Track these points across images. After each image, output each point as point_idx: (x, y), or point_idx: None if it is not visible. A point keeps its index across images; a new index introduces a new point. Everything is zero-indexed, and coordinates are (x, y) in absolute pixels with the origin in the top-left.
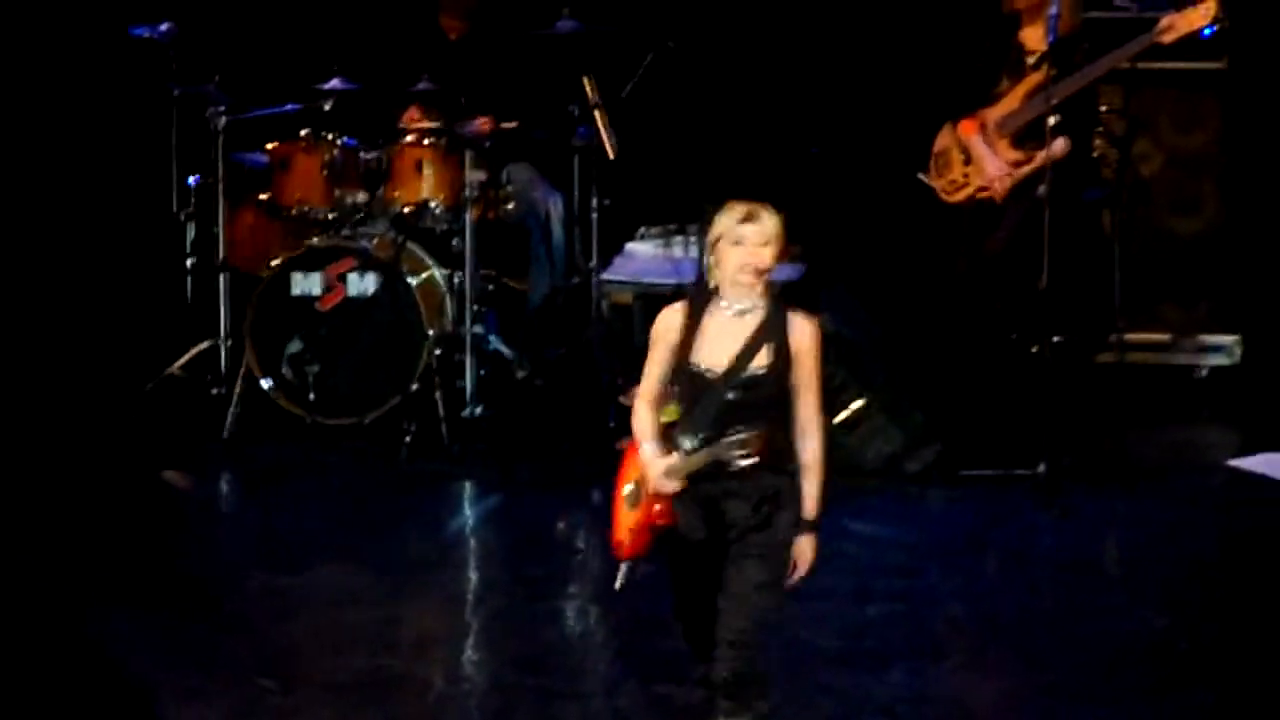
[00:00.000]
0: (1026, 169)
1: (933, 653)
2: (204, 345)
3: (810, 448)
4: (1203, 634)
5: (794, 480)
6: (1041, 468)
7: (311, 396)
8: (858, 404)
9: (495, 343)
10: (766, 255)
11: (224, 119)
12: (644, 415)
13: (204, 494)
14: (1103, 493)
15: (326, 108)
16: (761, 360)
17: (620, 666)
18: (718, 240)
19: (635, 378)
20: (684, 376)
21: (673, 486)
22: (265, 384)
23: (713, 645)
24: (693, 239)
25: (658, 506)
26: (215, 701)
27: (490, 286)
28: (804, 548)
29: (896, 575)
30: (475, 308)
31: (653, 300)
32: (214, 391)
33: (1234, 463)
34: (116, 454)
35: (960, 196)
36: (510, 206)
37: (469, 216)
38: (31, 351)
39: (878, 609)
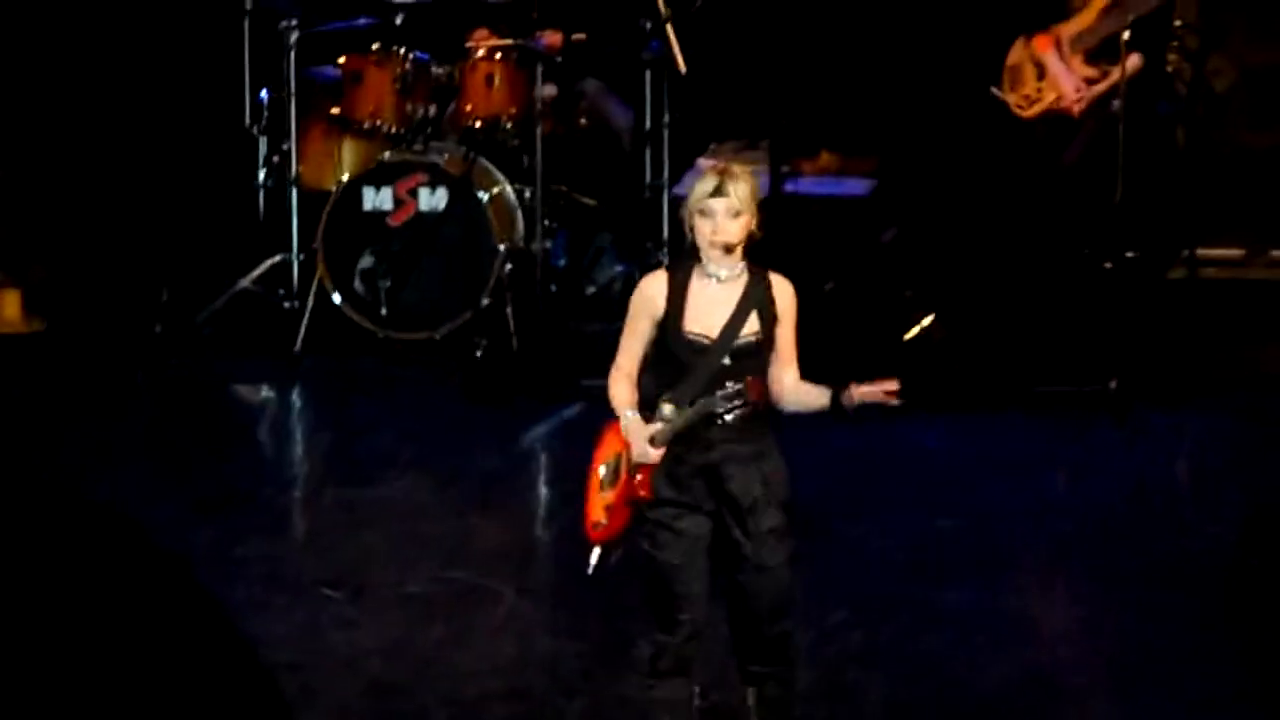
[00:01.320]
0: (1102, 85)
1: (1002, 567)
2: (276, 259)
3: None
4: (1274, 550)
5: (774, 441)
6: (1113, 384)
7: (383, 311)
8: (927, 320)
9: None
10: (734, 229)
11: (296, 33)
12: (623, 387)
13: (275, 408)
14: (1174, 409)
15: (398, 21)
16: (752, 326)
17: None
18: (692, 208)
19: None
20: (674, 346)
21: (656, 456)
22: (337, 298)
23: (700, 624)
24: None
25: (639, 478)
26: (284, 613)
27: (561, 202)
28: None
29: (967, 490)
30: (546, 223)
31: None
32: (286, 306)
33: None
34: (188, 367)
35: (1033, 112)
36: (582, 122)
37: (539, 131)
38: (105, 264)
39: (948, 523)
